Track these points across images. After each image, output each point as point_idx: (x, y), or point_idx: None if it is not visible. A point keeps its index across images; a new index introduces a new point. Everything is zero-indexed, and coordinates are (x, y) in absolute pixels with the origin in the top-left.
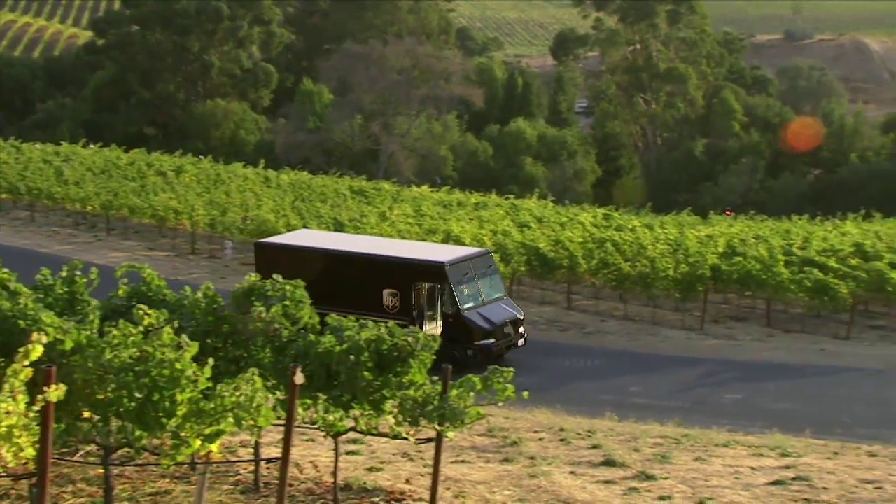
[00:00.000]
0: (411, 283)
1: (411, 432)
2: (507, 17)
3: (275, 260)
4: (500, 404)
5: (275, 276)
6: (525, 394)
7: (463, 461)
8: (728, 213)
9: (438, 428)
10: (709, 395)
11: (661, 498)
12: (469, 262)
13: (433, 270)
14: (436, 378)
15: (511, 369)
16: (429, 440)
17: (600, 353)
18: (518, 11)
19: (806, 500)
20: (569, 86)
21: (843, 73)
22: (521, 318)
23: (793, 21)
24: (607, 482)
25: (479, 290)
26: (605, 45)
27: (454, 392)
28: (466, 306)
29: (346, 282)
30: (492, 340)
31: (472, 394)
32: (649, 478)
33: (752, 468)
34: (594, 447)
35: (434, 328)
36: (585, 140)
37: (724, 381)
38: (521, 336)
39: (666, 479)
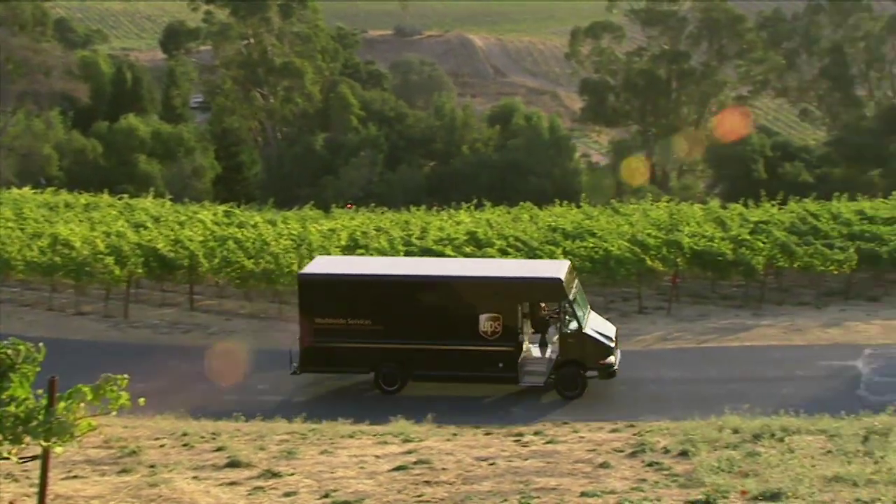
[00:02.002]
0: (517, 305)
1: (13, 451)
2: (111, 8)
3: (334, 294)
4: (115, 413)
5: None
6: (141, 400)
7: (75, 476)
8: (349, 206)
9: (45, 444)
10: (337, 388)
11: (287, 494)
12: (570, 274)
13: (550, 288)
14: (41, 391)
15: (125, 376)
16: (34, 458)
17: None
18: (123, 3)
19: (426, 482)
20: (182, 80)
21: (451, 67)
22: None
23: (402, 17)
24: (232, 484)
25: (582, 305)
26: (218, 38)
27: (62, 405)
28: (585, 323)
29: (428, 311)
30: (612, 358)
31: (82, 405)
32: (275, 475)
33: (377, 456)
34: (219, 449)
35: (543, 351)
36: (203, 136)
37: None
38: (618, 350)
39: (292, 474)
